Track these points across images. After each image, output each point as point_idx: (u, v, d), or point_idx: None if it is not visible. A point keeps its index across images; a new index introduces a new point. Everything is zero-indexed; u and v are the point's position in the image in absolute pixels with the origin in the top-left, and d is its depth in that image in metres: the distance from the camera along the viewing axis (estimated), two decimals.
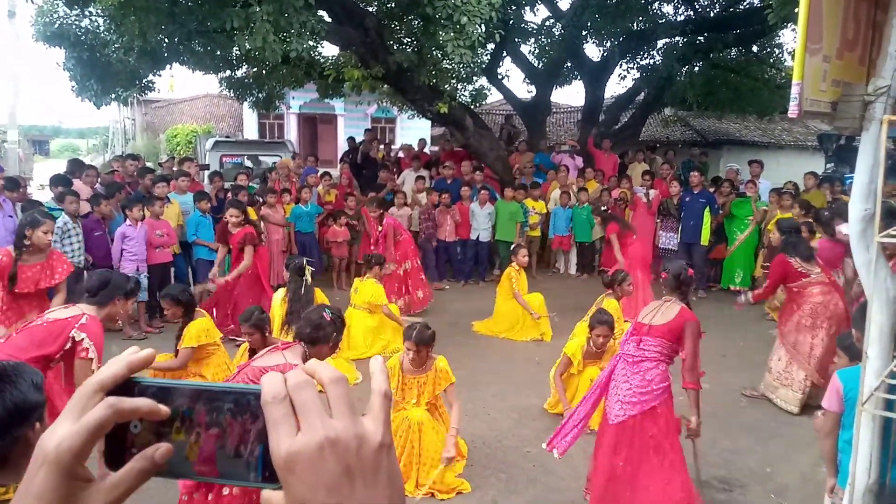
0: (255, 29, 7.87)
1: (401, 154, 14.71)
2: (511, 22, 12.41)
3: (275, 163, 12.98)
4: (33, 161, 28.19)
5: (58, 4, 10.91)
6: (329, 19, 10.02)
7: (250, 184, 10.56)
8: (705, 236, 10.13)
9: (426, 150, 15.76)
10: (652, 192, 10.95)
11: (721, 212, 10.39)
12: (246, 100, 14.81)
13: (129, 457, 0.59)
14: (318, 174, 11.48)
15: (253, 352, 4.53)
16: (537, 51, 14.73)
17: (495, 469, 4.82)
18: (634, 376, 4.04)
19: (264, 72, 12.98)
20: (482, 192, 10.98)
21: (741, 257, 10.26)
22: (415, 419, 4.48)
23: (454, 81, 11.83)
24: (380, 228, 9.24)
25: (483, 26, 8.48)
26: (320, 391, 0.59)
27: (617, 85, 67.63)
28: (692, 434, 4.01)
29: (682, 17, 14.96)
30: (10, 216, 7.70)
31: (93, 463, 0.58)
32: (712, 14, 15.03)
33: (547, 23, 14.51)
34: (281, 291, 6.49)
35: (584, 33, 13.25)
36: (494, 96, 18.32)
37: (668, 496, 3.88)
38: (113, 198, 8.32)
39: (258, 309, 4.86)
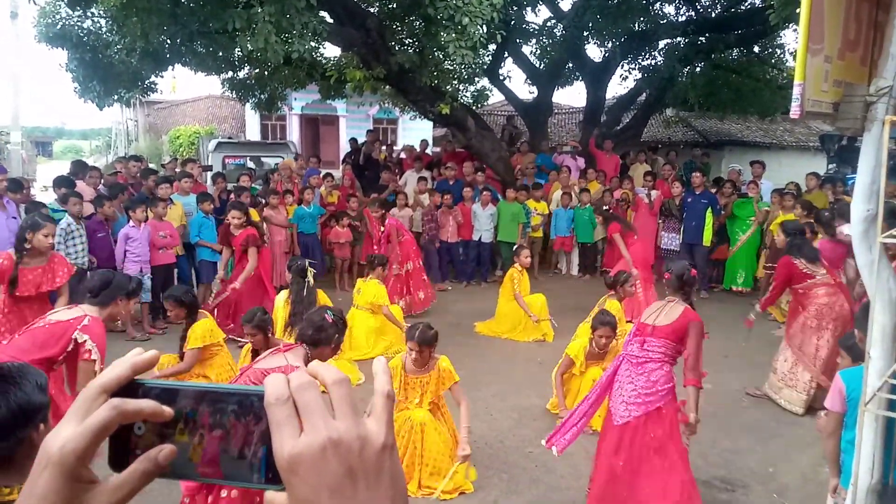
0: (257, 30, 7.88)
1: (403, 155, 14.71)
2: (512, 23, 12.41)
3: (277, 164, 12.99)
4: (36, 162, 28.24)
5: (60, 5, 10.94)
6: (331, 20, 10.03)
7: (253, 185, 10.57)
8: (707, 237, 10.12)
9: (428, 150, 15.76)
10: (654, 192, 10.95)
11: (723, 212, 10.39)
12: (248, 101, 14.84)
13: (133, 458, 0.59)
14: (321, 175, 11.48)
15: (255, 353, 4.54)
16: (539, 51, 14.75)
17: (497, 469, 4.82)
18: (639, 377, 4.04)
19: (266, 73, 13.02)
20: (484, 192, 10.98)
21: (743, 258, 10.26)
22: (417, 420, 4.48)
23: (456, 82, 11.84)
24: (382, 229, 9.25)
25: (484, 27, 8.49)
26: (323, 392, 0.59)
27: (618, 86, 67.35)
28: (690, 431, 3.99)
29: (684, 18, 14.96)
30: (14, 217, 7.71)
31: (95, 465, 0.58)
32: (714, 14, 15.03)
33: (548, 23, 14.53)
34: (284, 293, 6.49)
35: (585, 34, 13.25)
36: (496, 97, 18.33)
37: (666, 497, 3.87)
38: (116, 199, 8.34)
39: (261, 310, 4.87)
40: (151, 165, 13.77)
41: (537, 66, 14.87)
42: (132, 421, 0.59)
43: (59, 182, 8.34)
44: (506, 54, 14.55)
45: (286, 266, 7.30)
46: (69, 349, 3.63)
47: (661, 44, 14.87)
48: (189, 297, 5.28)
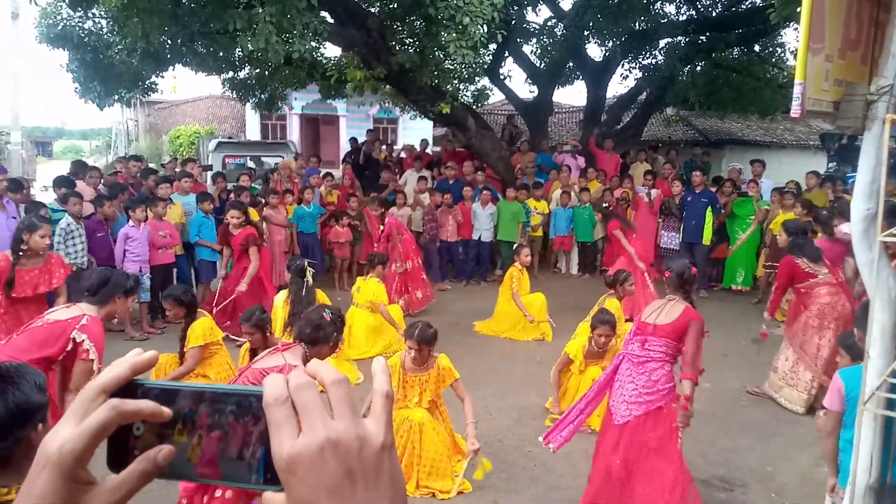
0: (257, 30, 7.88)
1: (403, 154, 14.71)
2: (513, 22, 12.41)
3: (277, 164, 12.99)
4: (36, 162, 28.25)
5: (61, 6, 10.95)
6: (331, 20, 10.03)
7: (253, 185, 10.58)
8: (707, 236, 10.12)
9: (428, 150, 15.76)
10: (654, 191, 10.94)
11: (723, 211, 10.38)
12: (248, 101, 14.84)
13: (132, 459, 0.59)
14: (321, 175, 11.48)
15: (254, 352, 4.54)
16: (539, 51, 14.74)
17: (496, 468, 4.81)
18: (640, 377, 4.04)
19: (267, 73, 13.02)
20: (484, 192, 10.97)
21: (743, 257, 10.26)
22: (416, 420, 4.48)
23: (456, 82, 11.86)
24: (381, 228, 9.25)
25: (485, 27, 8.49)
26: (322, 392, 0.59)
27: (619, 85, 67.32)
28: (682, 423, 3.98)
29: (684, 17, 14.95)
30: (14, 217, 7.70)
31: (94, 465, 0.58)
32: (714, 14, 15.03)
33: (549, 23, 14.53)
34: (283, 293, 6.49)
35: (586, 33, 13.25)
36: (496, 96, 18.32)
37: (661, 497, 3.87)
38: (116, 199, 8.34)
39: (259, 308, 4.87)
40: (151, 165, 13.77)
41: (538, 65, 14.87)
42: (131, 421, 0.59)
43: (59, 182, 8.34)
44: (506, 54, 14.54)
45: (285, 266, 7.30)
46: (68, 349, 3.63)
47: (662, 43, 14.87)
48: (188, 296, 5.28)
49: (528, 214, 11.11)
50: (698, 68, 14.35)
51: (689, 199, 10.41)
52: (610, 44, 14.29)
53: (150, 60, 10.81)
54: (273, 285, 7.99)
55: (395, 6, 10.78)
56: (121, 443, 0.59)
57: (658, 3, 14.82)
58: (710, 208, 10.13)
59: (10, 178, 8.79)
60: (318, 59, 12.48)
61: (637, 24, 13.50)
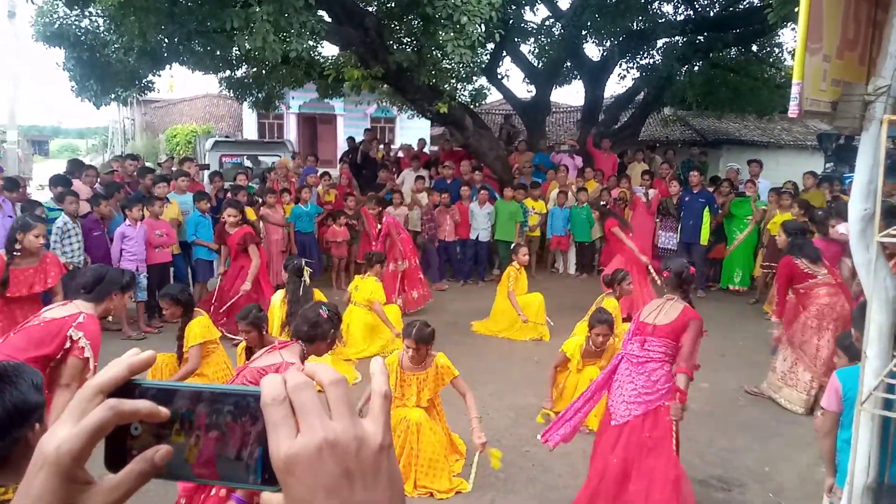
0: (254, 29, 7.87)
1: (400, 154, 14.71)
2: (511, 21, 12.41)
3: (274, 163, 12.98)
4: (33, 161, 28.17)
5: (58, 4, 10.92)
6: (329, 19, 10.01)
7: (249, 184, 10.57)
8: (704, 236, 10.13)
9: (426, 149, 15.76)
10: (651, 191, 10.96)
11: (720, 211, 10.40)
12: (245, 100, 14.81)
13: (130, 459, 0.58)
14: (318, 174, 11.48)
15: (249, 350, 4.54)
16: (537, 50, 14.74)
17: (493, 468, 4.82)
18: (639, 377, 4.04)
19: (264, 72, 12.99)
20: (481, 191, 10.98)
21: (740, 257, 10.27)
22: (413, 420, 4.48)
23: (454, 81, 11.85)
24: (379, 227, 9.25)
25: (483, 26, 8.48)
26: (320, 392, 0.59)
27: (616, 84, 67.63)
28: (675, 415, 3.97)
29: (682, 17, 14.97)
30: (10, 216, 7.70)
31: (91, 465, 0.58)
32: (712, 13, 15.04)
33: (547, 22, 14.52)
34: (280, 293, 6.49)
35: (583, 33, 13.24)
36: (494, 96, 18.33)
37: (656, 494, 3.87)
38: (112, 198, 8.33)
39: (256, 307, 4.88)
40: (148, 164, 13.75)
41: (535, 64, 14.87)
42: (128, 421, 0.59)
43: (56, 181, 8.32)
44: (504, 53, 14.55)
45: (282, 265, 7.30)
46: (66, 347, 3.61)
47: (660, 43, 14.88)
48: (185, 295, 5.28)
49: (526, 214, 11.11)
50: (696, 68, 14.37)
51: (686, 199, 10.42)
52: (608, 43, 14.30)
53: (147, 59, 10.79)
54: (270, 284, 7.99)
55: (393, 5, 10.77)
56: (118, 443, 0.59)
57: (656, 3, 14.84)
58: (707, 208, 10.14)
59: (7, 177, 8.79)
60: (316, 58, 12.46)
61: (635, 24, 13.50)
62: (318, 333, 3.53)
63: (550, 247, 11.70)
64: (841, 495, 2.91)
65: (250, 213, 8.57)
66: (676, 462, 3.97)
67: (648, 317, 4.14)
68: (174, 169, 11.17)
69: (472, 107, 14.14)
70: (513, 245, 8.63)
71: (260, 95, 14.26)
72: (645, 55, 15.32)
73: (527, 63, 14.85)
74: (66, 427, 0.56)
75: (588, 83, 14.92)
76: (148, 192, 8.80)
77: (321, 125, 24.03)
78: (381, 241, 9.05)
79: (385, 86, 12.03)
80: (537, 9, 14.34)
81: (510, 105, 16.51)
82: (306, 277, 6.27)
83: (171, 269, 8.48)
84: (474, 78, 14.66)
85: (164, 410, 0.59)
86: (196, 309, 5.35)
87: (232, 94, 14.90)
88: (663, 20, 14.38)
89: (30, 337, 3.63)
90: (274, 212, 9.49)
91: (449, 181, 11.71)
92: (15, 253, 5.16)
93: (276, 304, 6.33)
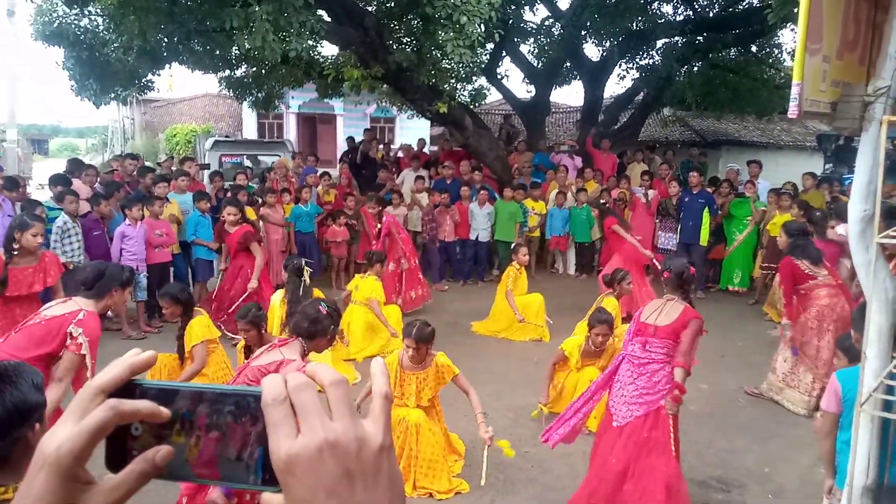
0: (254, 28, 7.86)
1: (400, 154, 14.71)
2: (510, 22, 12.41)
3: (274, 162, 12.98)
4: (32, 160, 28.18)
5: (57, 3, 10.92)
6: (328, 19, 10.01)
7: (249, 183, 10.57)
8: (704, 237, 10.13)
9: (425, 149, 15.76)
10: (651, 192, 10.96)
11: (720, 212, 10.39)
12: (245, 99, 14.81)
13: (130, 459, 0.58)
14: (318, 174, 11.48)
15: (248, 349, 4.54)
16: (536, 50, 14.75)
17: (493, 468, 4.82)
18: (641, 377, 4.04)
19: (263, 71, 12.99)
20: (481, 192, 10.98)
21: (740, 258, 10.26)
22: (412, 420, 4.48)
23: (453, 81, 11.83)
24: (378, 226, 9.24)
25: (482, 26, 8.49)
26: (320, 392, 0.59)
27: (616, 85, 67.61)
28: (670, 410, 3.96)
29: (682, 17, 14.97)
30: (10, 216, 7.69)
31: (92, 465, 0.58)
32: (711, 14, 15.04)
33: (546, 22, 14.53)
34: (280, 293, 6.49)
35: (583, 33, 13.25)
36: (494, 96, 18.33)
37: (652, 494, 3.87)
38: (112, 197, 8.33)
39: (255, 306, 4.88)
40: (148, 164, 13.75)
41: (535, 65, 14.88)
42: (129, 422, 0.59)
43: (56, 180, 8.32)
44: (503, 53, 14.55)
45: (282, 265, 7.30)
46: (67, 344, 3.60)
47: (659, 43, 14.88)
48: (185, 294, 5.27)
49: (526, 214, 11.11)
50: (695, 69, 14.37)
51: (686, 199, 10.42)
52: (607, 44, 14.30)
53: (147, 58, 10.79)
54: (270, 284, 7.99)
55: (393, 5, 10.77)
56: (119, 443, 0.59)
57: (655, 4, 14.84)
58: (707, 209, 10.14)
59: (6, 176, 8.79)
60: (315, 57, 12.46)
61: (634, 25, 13.51)
62: (318, 330, 3.53)
63: (549, 247, 11.70)
64: (840, 496, 2.91)
65: (250, 213, 8.57)
66: (675, 463, 3.98)
67: (649, 318, 4.14)
68: (174, 168, 11.17)
69: (471, 107, 14.13)
70: (513, 245, 8.63)
71: (259, 95, 14.26)
72: (644, 55, 15.33)
73: (526, 63, 14.85)
74: (66, 427, 0.56)
75: (587, 83, 14.92)
76: (148, 192, 8.80)
77: (321, 125, 24.03)
78: (382, 240, 9.05)
79: (385, 86, 12.03)
80: (537, 9, 14.35)
81: (510, 105, 16.51)
82: (306, 277, 6.27)
83: (171, 269, 8.48)
84: (474, 78, 14.65)
85: (164, 411, 0.59)
86: (196, 308, 5.34)
87: (231, 94, 14.91)
88: (663, 20, 14.38)
89: (31, 335, 3.61)
90: (274, 212, 9.49)
91: (449, 181, 11.70)
92: (13, 252, 5.16)
93: (276, 304, 6.33)
